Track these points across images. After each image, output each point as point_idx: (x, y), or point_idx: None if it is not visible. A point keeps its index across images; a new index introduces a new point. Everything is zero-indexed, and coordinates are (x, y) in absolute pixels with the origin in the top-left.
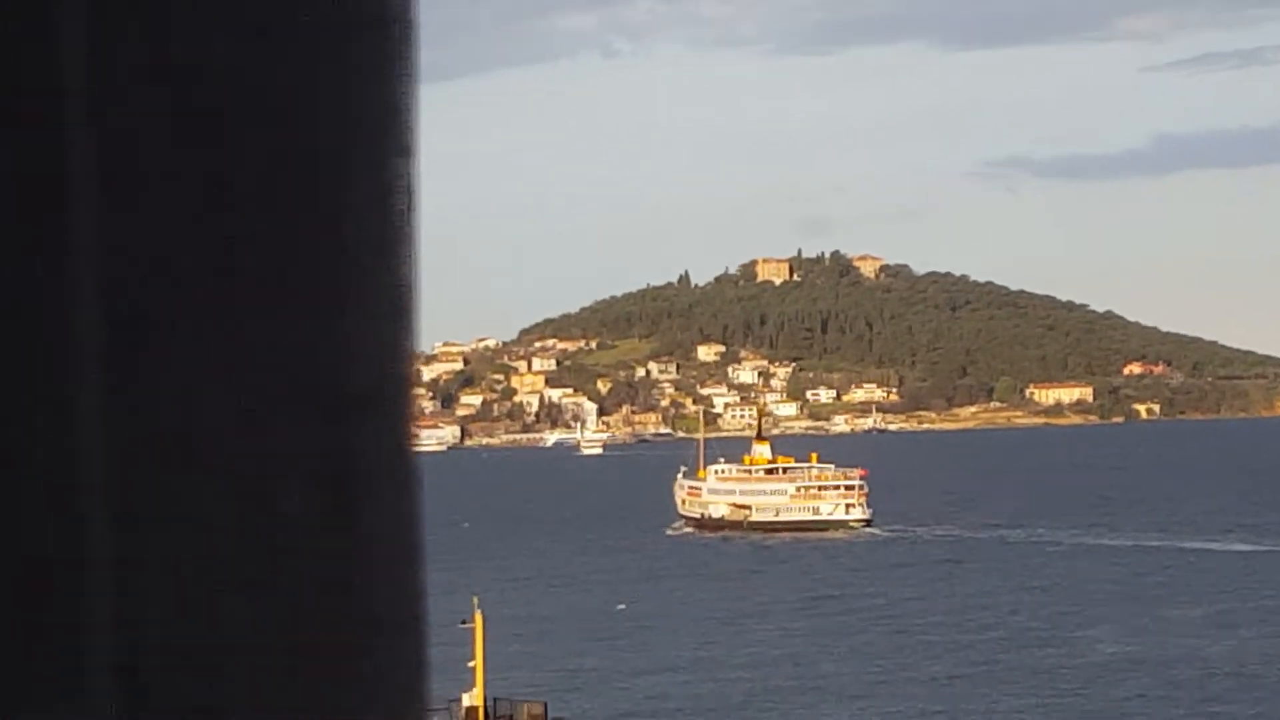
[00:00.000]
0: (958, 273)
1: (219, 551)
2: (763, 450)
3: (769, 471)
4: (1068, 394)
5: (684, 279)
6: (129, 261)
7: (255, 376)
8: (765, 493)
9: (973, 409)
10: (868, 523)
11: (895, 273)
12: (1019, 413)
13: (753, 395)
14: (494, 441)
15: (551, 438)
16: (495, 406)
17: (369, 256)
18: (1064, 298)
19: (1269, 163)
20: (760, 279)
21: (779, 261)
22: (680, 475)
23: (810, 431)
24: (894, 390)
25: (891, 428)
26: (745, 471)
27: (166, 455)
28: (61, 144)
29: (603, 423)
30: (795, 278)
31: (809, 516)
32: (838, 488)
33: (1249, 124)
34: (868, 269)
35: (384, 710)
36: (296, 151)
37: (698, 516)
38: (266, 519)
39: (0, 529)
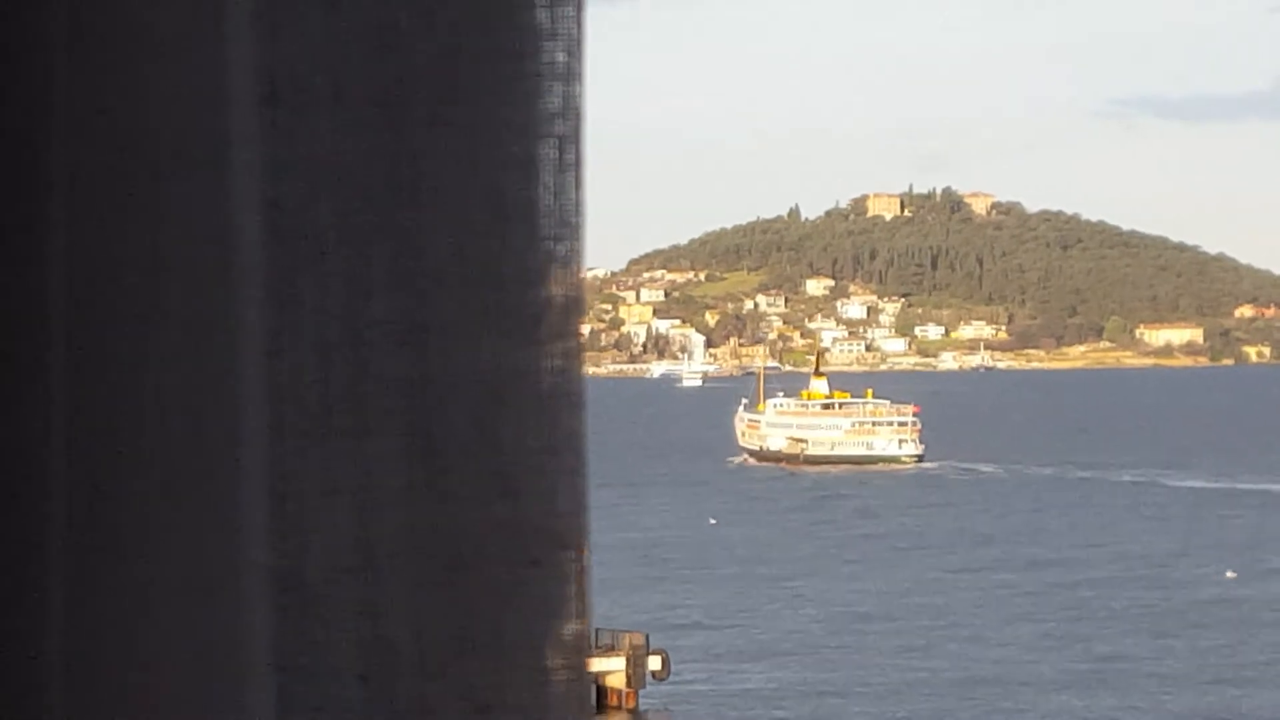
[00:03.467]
0: (1070, 211)
1: (381, 462)
2: (820, 385)
3: (825, 406)
4: (1178, 335)
5: (794, 213)
6: (293, 175)
7: (422, 292)
8: (821, 427)
9: (1082, 348)
10: (920, 458)
11: (1007, 210)
12: (1128, 353)
13: (861, 330)
14: (600, 371)
15: (658, 369)
16: (603, 336)
17: (537, 177)
18: (1176, 238)
19: None
20: (870, 214)
21: (890, 197)
22: (741, 408)
23: (918, 368)
24: (1003, 328)
25: (1000, 365)
26: (802, 406)
27: (328, 368)
28: (224, 61)
29: (710, 354)
30: (906, 213)
31: (863, 451)
32: (891, 424)
33: None
34: (979, 206)
35: (548, 620)
36: (464, 72)
37: (756, 449)
38: (430, 432)
39: (162, 441)
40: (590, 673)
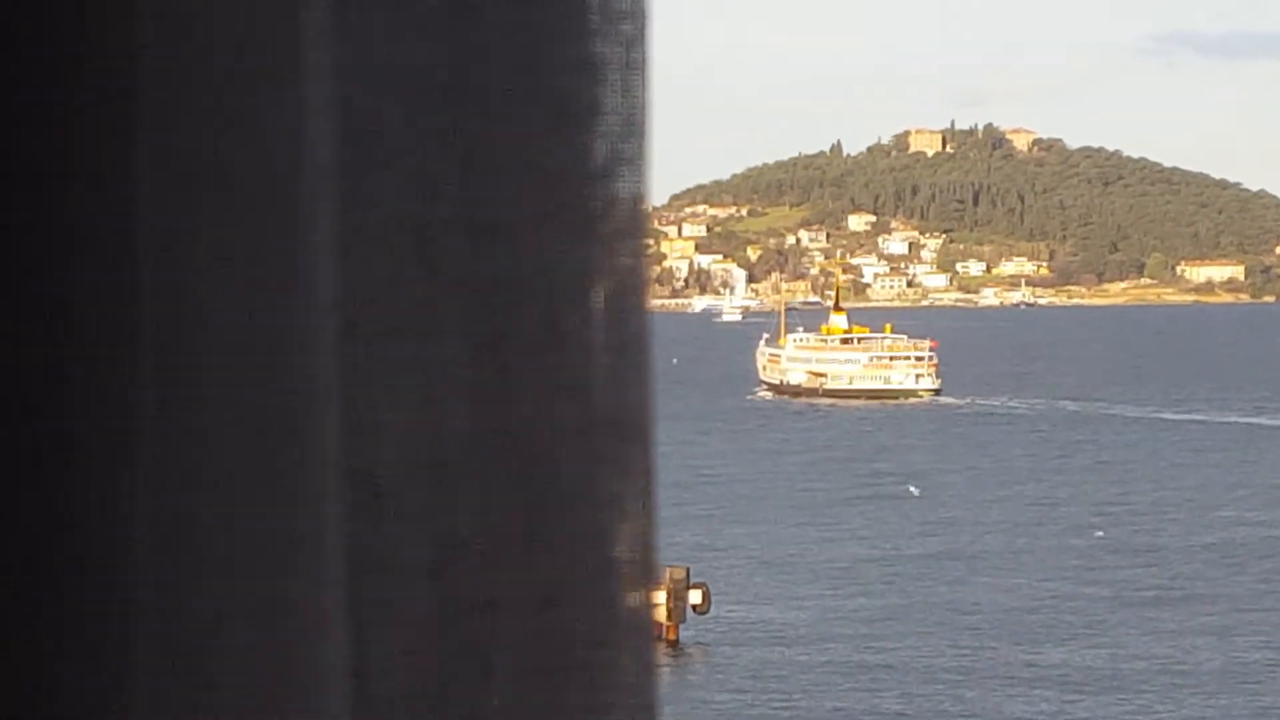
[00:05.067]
0: (1111, 148)
1: (449, 361)
2: (839, 320)
3: (844, 341)
4: (1219, 272)
5: (836, 148)
6: (363, 77)
7: (489, 192)
8: (840, 361)
9: (1123, 285)
10: (937, 392)
11: (1048, 147)
12: (1170, 290)
13: (903, 266)
14: (648, 307)
15: (699, 304)
16: (650, 271)
17: (604, 78)
18: (1217, 175)
19: None
20: (913, 150)
21: (932, 133)
22: (762, 342)
23: (959, 304)
24: (1044, 264)
25: (1041, 301)
26: (822, 340)
27: (399, 266)
28: None
29: (751, 290)
30: (948, 150)
31: (880, 385)
32: (908, 358)
33: None
34: (1020, 142)
35: (614, 514)
36: None
37: (777, 383)
38: (498, 331)
39: (235, 343)
40: (655, 568)
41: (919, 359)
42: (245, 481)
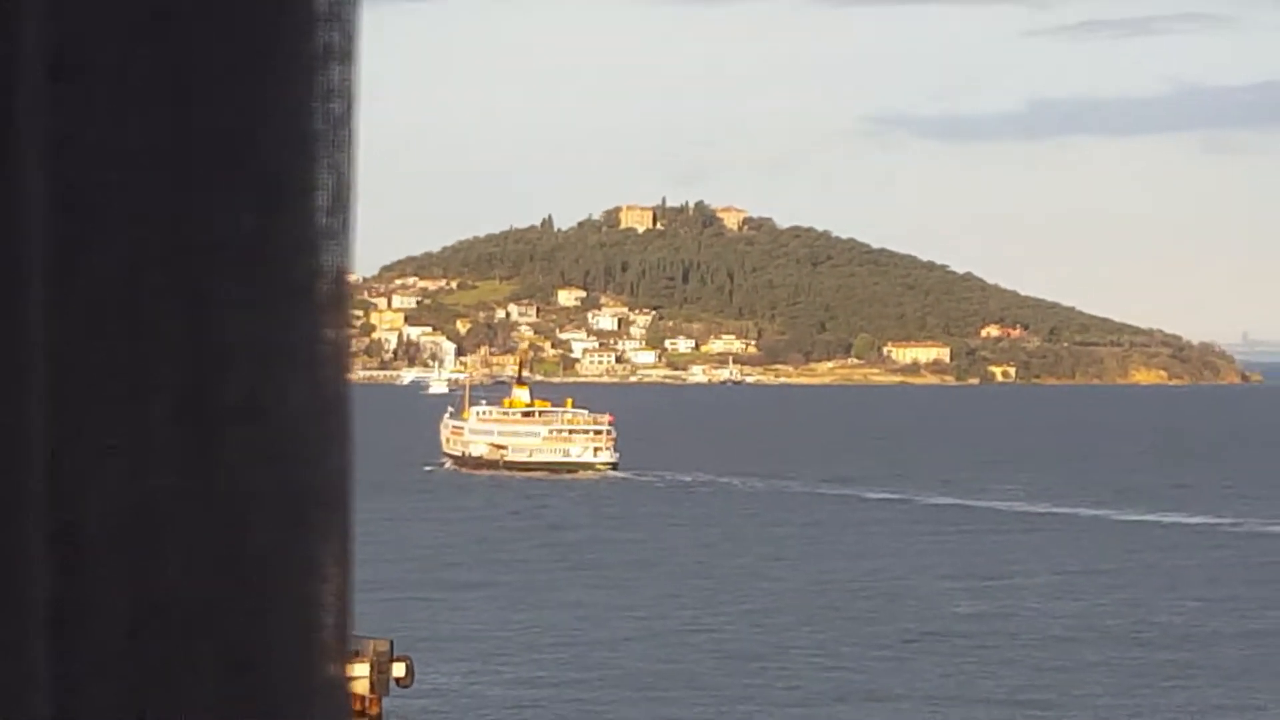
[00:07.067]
0: (820, 228)
1: (156, 424)
2: (521, 394)
3: (526, 414)
4: (925, 353)
5: (547, 223)
6: (77, 152)
7: (200, 263)
8: (520, 434)
9: (830, 364)
10: (614, 466)
11: (758, 225)
12: (876, 370)
13: (612, 342)
14: (349, 377)
15: (408, 376)
16: (353, 343)
17: (312, 154)
18: (925, 257)
19: (1140, 133)
20: (624, 226)
21: (643, 209)
22: (447, 415)
23: (668, 380)
24: (753, 342)
25: (749, 379)
26: (504, 413)
27: (107, 333)
28: (16, 35)
29: (460, 363)
30: (659, 226)
31: (559, 458)
32: (587, 432)
33: (1126, 93)
34: (731, 220)
35: (313, 579)
36: (241, 51)
37: (459, 455)
38: (204, 396)
39: None
40: (352, 629)
41: (598, 433)
42: None
